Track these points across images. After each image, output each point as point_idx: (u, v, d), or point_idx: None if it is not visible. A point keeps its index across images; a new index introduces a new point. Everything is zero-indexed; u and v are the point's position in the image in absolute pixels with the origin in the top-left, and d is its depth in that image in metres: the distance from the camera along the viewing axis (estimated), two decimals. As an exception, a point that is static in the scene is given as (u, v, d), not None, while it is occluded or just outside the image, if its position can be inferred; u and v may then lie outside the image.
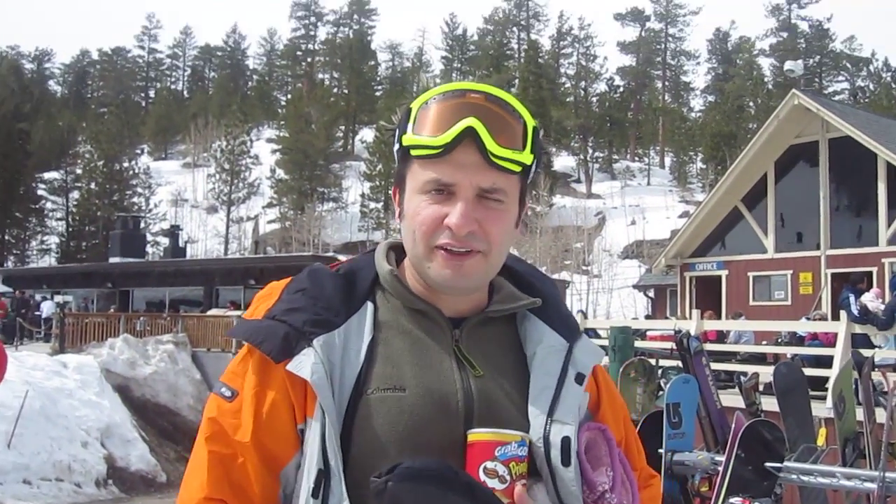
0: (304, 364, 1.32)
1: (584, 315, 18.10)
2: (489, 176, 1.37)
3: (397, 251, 1.54)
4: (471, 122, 1.35)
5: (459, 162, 1.37)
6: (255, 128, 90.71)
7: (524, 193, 1.47)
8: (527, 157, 1.41)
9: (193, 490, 1.33)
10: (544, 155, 1.49)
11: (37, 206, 70.74)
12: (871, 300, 13.12)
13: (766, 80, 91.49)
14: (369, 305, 1.44)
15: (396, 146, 1.44)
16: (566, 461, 1.36)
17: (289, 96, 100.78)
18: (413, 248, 1.43)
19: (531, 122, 1.42)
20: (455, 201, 1.37)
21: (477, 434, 1.33)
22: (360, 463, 1.30)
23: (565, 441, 1.37)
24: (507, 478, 1.30)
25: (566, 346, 1.49)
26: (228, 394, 1.38)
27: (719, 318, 20.81)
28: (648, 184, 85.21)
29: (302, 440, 1.34)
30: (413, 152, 1.40)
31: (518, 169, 1.40)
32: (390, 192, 1.60)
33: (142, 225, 55.88)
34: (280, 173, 78.47)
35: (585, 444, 1.42)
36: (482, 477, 1.29)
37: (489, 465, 1.30)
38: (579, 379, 1.47)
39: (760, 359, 14.15)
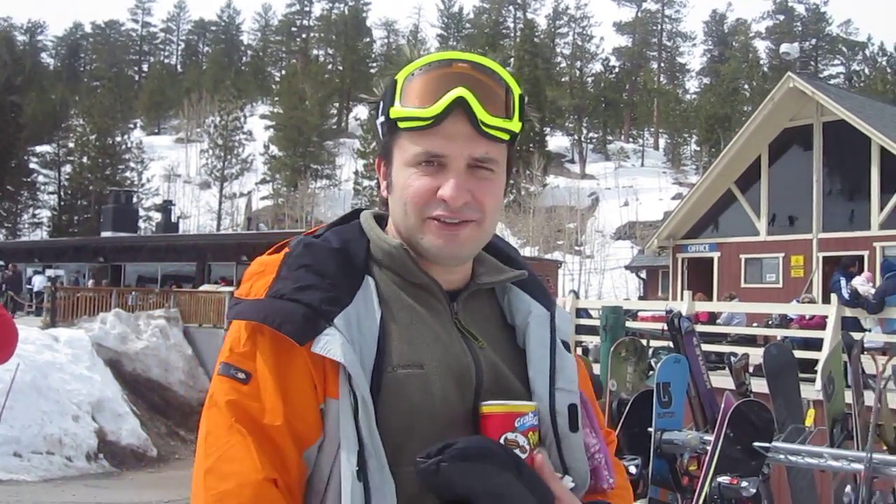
0: (332, 345, 1.27)
1: (577, 295, 18.12)
2: (480, 146, 1.37)
3: (379, 222, 1.51)
4: (461, 92, 1.34)
5: (450, 133, 1.36)
6: (249, 104, 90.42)
7: (511, 161, 1.47)
8: (515, 125, 1.41)
9: (245, 474, 1.25)
10: (528, 122, 1.49)
11: (29, 180, 70.44)
12: (862, 284, 13.14)
13: (761, 62, 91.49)
14: (370, 280, 1.40)
15: (381, 119, 1.43)
16: (574, 427, 1.42)
17: (283, 72, 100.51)
18: (404, 220, 1.41)
19: (517, 90, 1.42)
20: (446, 173, 1.37)
21: (494, 406, 1.33)
22: (390, 442, 1.28)
23: (573, 408, 1.42)
24: (527, 447, 1.32)
25: (549, 315, 1.51)
26: (243, 376, 1.30)
27: (710, 299, 20.85)
28: (642, 165, 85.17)
29: (323, 421, 1.30)
30: (401, 125, 1.38)
31: (507, 137, 1.41)
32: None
33: (134, 200, 55.64)
34: (273, 150, 78.22)
35: None
36: None
37: (510, 436, 1.31)
38: (566, 347, 1.51)
39: (751, 341, 14.19)
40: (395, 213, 1.44)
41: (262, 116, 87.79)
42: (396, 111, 1.38)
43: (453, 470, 1.22)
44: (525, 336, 1.48)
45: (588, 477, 1.45)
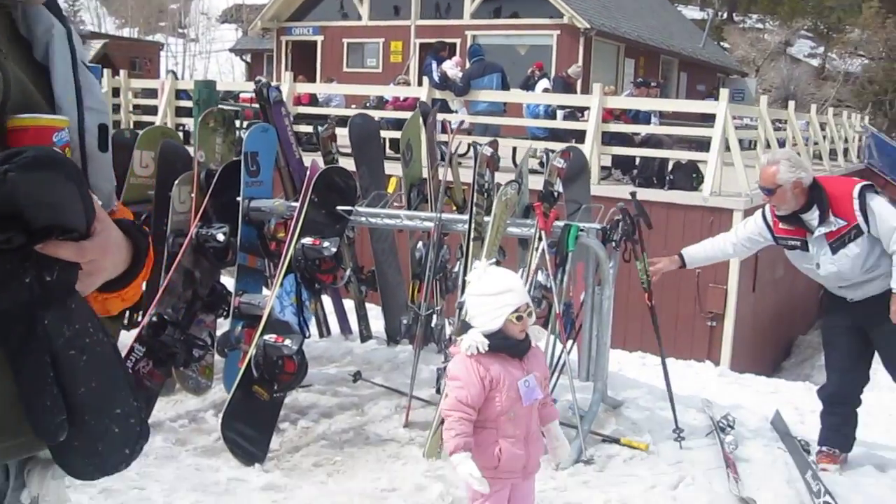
0: None
1: (176, 76, 17.38)
2: None
3: None
4: None
5: None
6: None
7: None
8: None
9: None
10: None
11: None
12: (451, 68, 13.94)
13: None
14: None
15: None
16: (104, 147, 1.38)
17: None
18: None
19: None
20: None
21: (30, 119, 1.23)
22: None
23: (103, 128, 1.38)
24: None
25: (66, 33, 1.39)
26: None
27: (313, 82, 21.08)
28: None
29: None
30: None
31: None
32: None
33: None
34: None
35: None
36: None
37: None
38: (89, 69, 1.41)
39: (344, 122, 14.60)
40: None
41: None
42: None
43: (21, 179, 1.09)
44: (48, 51, 1.35)
45: (113, 198, 1.44)
